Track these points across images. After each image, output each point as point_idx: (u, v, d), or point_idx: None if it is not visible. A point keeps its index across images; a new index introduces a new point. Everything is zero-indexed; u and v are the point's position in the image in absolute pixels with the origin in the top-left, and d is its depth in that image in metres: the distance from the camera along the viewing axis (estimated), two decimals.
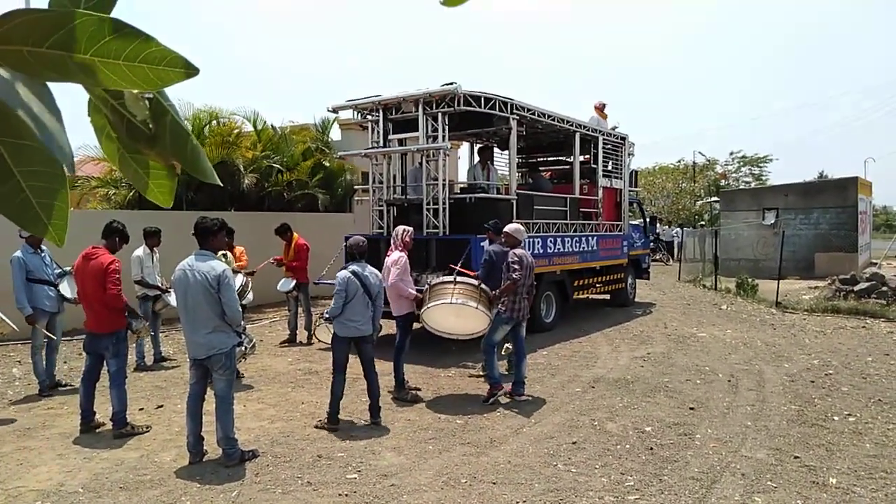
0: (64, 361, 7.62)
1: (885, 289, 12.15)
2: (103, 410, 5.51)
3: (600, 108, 13.13)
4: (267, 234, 11.73)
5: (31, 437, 5.25)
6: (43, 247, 6.65)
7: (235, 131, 14.58)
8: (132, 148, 0.88)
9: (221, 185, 1.01)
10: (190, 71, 0.75)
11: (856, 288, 12.38)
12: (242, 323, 4.89)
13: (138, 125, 0.84)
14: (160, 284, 7.61)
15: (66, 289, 6.58)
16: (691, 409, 5.89)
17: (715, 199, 31.79)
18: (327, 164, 15.90)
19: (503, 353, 6.88)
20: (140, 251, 7.54)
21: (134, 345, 7.21)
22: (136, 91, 0.82)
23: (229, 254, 7.58)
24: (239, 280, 6.74)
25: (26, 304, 6.34)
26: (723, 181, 38.40)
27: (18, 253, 6.44)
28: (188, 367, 4.82)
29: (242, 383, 6.86)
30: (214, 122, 14.33)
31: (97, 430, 5.34)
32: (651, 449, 4.88)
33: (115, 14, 0.78)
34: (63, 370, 7.41)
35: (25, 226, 0.75)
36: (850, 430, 5.30)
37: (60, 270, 6.70)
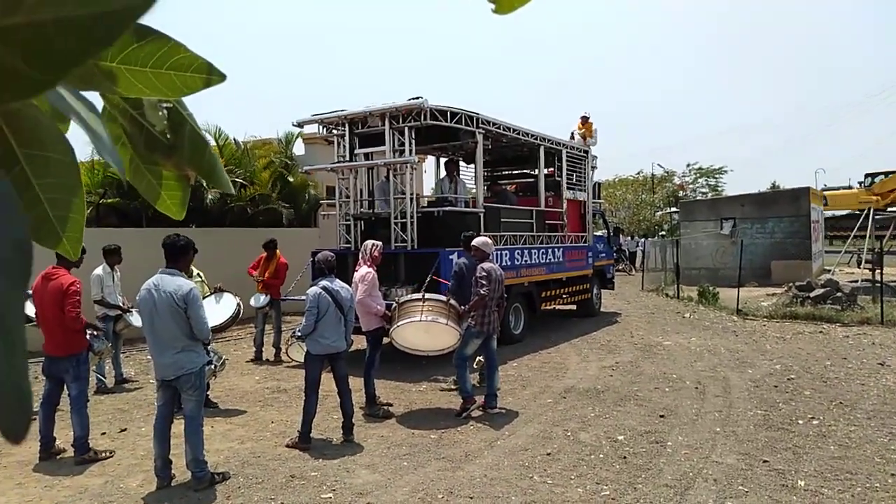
0: None
1: (839, 294, 12.56)
2: (64, 436, 5.31)
3: (585, 119, 13.36)
4: (230, 250, 11.55)
5: None
6: None
7: None
8: (148, 158, 0.86)
9: (234, 192, 1.00)
10: (216, 77, 0.73)
11: (812, 294, 12.77)
12: (210, 338, 4.77)
13: (157, 135, 0.82)
14: (121, 304, 7.40)
15: (30, 308, 6.36)
16: (661, 416, 5.97)
17: (674, 209, 32.52)
18: (291, 178, 15.74)
19: (475, 366, 6.87)
20: (100, 270, 7.32)
21: (94, 367, 6.98)
22: (155, 100, 0.81)
23: (202, 273, 7.42)
24: (233, 305, 6.54)
25: None
26: (681, 192, 39.32)
27: None
28: (154, 389, 4.68)
29: (210, 401, 6.69)
30: None
31: (58, 457, 5.13)
32: (624, 458, 4.92)
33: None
34: None
35: (39, 239, 0.73)
36: (815, 432, 5.44)
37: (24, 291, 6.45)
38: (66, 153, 0.68)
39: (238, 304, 6.62)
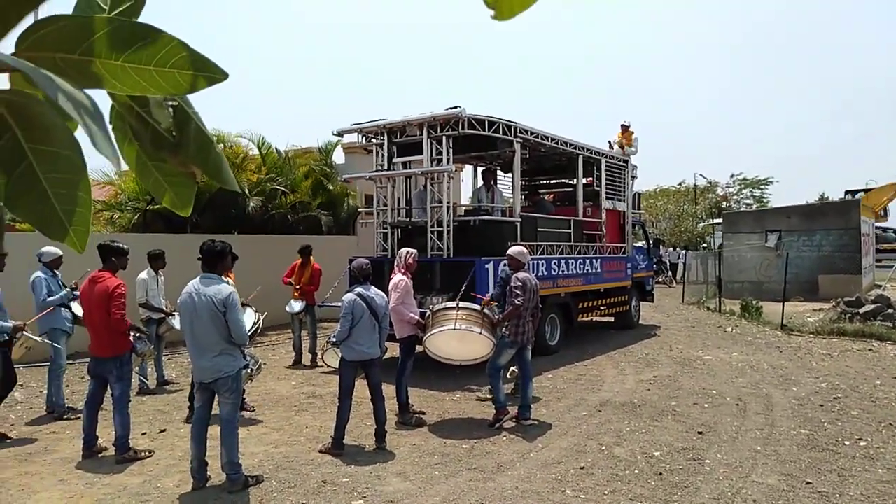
0: (67, 385, 7.55)
1: (890, 311, 12.08)
2: (106, 435, 5.46)
3: (625, 128, 13.19)
4: (271, 256, 11.75)
5: (32, 462, 5.20)
6: (57, 271, 6.70)
7: (242, 155, 14.70)
8: (155, 156, 0.88)
9: (240, 191, 1.01)
10: (219, 76, 0.75)
11: (861, 310, 12.31)
12: (248, 343, 4.86)
13: (163, 133, 0.84)
14: (164, 307, 7.60)
15: (78, 309, 6.59)
16: (700, 433, 5.82)
17: (717, 220, 31.82)
18: (330, 187, 15.97)
19: (509, 376, 6.82)
20: (144, 274, 7.54)
21: (137, 368, 7.17)
22: (160, 98, 0.82)
23: (230, 281, 7.48)
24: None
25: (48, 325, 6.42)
26: (724, 203, 38.47)
27: (40, 274, 6.49)
28: (193, 391, 4.78)
29: (245, 404, 6.80)
30: (221, 145, 14.44)
31: (100, 455, 5.28)
32: (660, 474, 4.81)
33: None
34: (66, 394, 7.34)
35: (48, 232, 0.75)
36: (862, 455, 5.23)
37: (68, 292, 6.69)
38: (73, 149, 0.70)
39: (258, 321, 6.58)
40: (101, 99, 0.81)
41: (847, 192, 29.50)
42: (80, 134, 0.69)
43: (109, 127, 0.87)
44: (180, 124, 0.85)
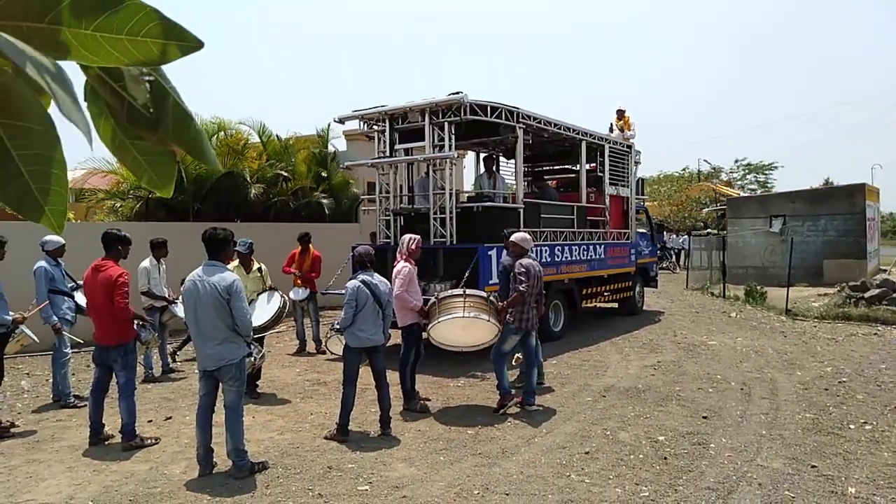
0: (72, 374, 7.57)
1: (895, 295, 12.04)
2: (112, 422, 5.48)
3: (621, 113, 13.12)
4: (272, 244, 11.74)
5: (40, 450, 5.23)
6: (59, 260, 6.68)
7: (242, 142, 14.65)
8: (132, 133, 0.84)
9: (223, 170, 0.97)
10: (194, 44, 0.71)
11: (866, 295, 12.29)
12: (251, 335, 4.85)
13: (139, 108, 0.80)
14: (167, 295, 7.60)
15: (82, 299, 6.60)
16: (704, 417, 5.82)
17: (721, 206, 31.70)
18: (325, 173, 15.95)
19: (514, 363, 6.82)
20: (147, 262, 7.54)
21: (142, 356, 7.19)
22: (136, 72, 0.79)
23: (264, 267, 7.47)
24: (277, 300, 6.62)
25: (52, 314, 6.36)
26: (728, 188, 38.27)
27: (43, 263, 6.48)
28: (197, 379, 4.79)
29: (255, 391, 6.84)
30: (222, 132, 14.40)
31: (106, 443, 5.31)
32: (665, 459, 4.82)
33: None
34: (72, 382, 7.37)
35: (23, 211, 0.72)
36: (868, 438, 5.23)
37: (73, 283, 6.72)
38: (46, 124, 0.67)
39: (284, 302, 6.66)
40: (75, 74, 0.78)
41: None
42: (54, 110, 0.66)
43: (82, 98, 0.84)
44: (157, 100, 0.81)
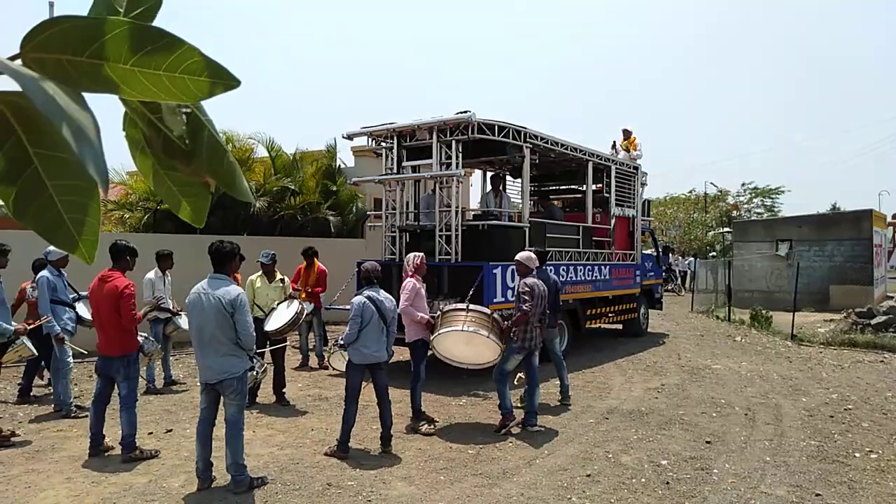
0: (74, 384, 7.59)
1: None
2: (113, 434, 5.47)
3: (627, 133, 13.15)
4: (279, 258, 11.74)
5: (39, 460, 5.22)
6: (63, 270, 6.72)
7: (248, 153, 14.77)
8: (167, 164, 0.86)
9: (255, 203, 0.98)
10: (231, 83, 0.73)
11: (873, 321, 12.20)
12: (254, 349, 4.85)
13: (175, 140, 0.81)
14: (171, 307, 7.62)
15: (84, 310, 6.62)
16: (708, 442, 5.77)
17: (727, 229, 31.64)
18: (335, 187, 16.03)
19: (516, 381, 6.79)
20: (152, 274, 7.57)
21: (144, 368, 7.19)
22: (174, 104, 0.80)
23: (286, 279, 7.70)
24: (295, 307, 6.76)
25: (56, 324, 6.39)
26: (735, 212, 38.22)
27: (47, 273, 6.51)
28: (199, 392, 4.78)
29: (255, 402, 6.86)
30: (230, 145, 14.52)
31: (106, 454, 5.29)
32: (667, 483, 4.77)
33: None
34: (74, 392, 7.37)
35: (56, 242, 0.73)
36: (873, 467, 5.17)
37: (76, 295, 6.76)
38: (75, 156, 0.68)
39: (301, 308, 6.87)
40: (114, 105, 0.79)
41: None
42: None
43: (120, 128, 0.85)
44: (193, 132, 0.82)
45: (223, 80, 0.72)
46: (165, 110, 0.80)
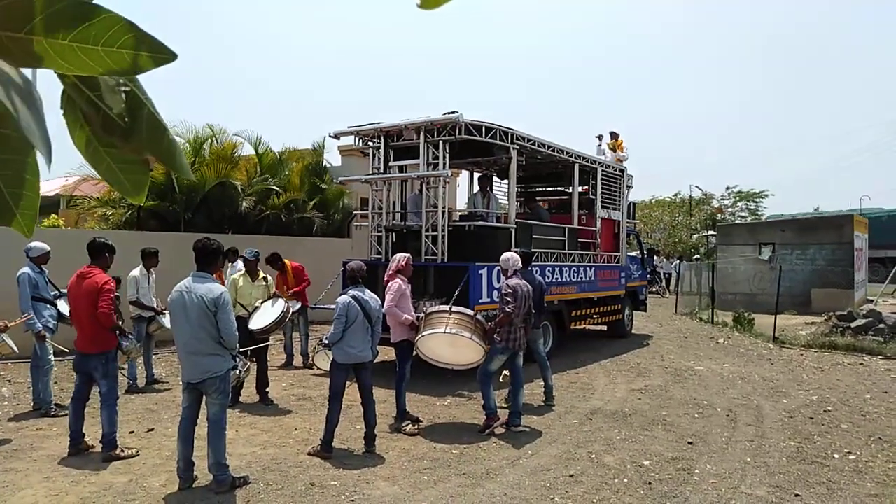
0: (55, 382, 7.50)
1: (882, 326, 12.11)
2: (93, 432, 5.41)
3: (615, 136, 13.23)
4: (264, 256, 11.69)
5: (18, 459, 5.15)
6: (43, 267, 6.63)
7: (231, 149, 14.66)
8: (106, 141, 0.86)
9: (195, 180, 0.98)
10: (168, 56, 0.74)
11: (853, 324, 12.35)
12: (237, 348, 4.82)
13: (114, 118, 0.82)
14: (156, 306, 7.55)
15: (65, 307, 6.55)
16: (690, 443, 5.82)
17: (711, 232, 31.93)
18: (323, 185, 15.99)
19: (501, 380, 6.80)
20: (136, 272, 7.50)
21: (126, 366, 7.12)
22: (112, 83, 0.81)
23: (269, 278, 7.69)
24: (281, 306, 6.74)
25: (37, 321, 6.31)
26: (719, 216, 38.57)
27: (27, 270, 6.42)
28: (181, 391, 4.74)
29: (237, 399, 6.82)
30: (214, 141, 14.42)
31: (86, 453, 5.23)
32: (649, 483, 4.80)
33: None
34: (54, 391, 7.28)
35: None
36: (851, 468, 5.24)
37: (57, 292, 6.67)
38: (19, 129, 0.69)
39: (287, 307, 6.88)
40: (52, 83, 0.79)
41: None
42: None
43: (58, 106, 0.86)
44: (133, 110, 0.83)
45: (159, 53, 0.74)
46: (105, 88, 0.81)
